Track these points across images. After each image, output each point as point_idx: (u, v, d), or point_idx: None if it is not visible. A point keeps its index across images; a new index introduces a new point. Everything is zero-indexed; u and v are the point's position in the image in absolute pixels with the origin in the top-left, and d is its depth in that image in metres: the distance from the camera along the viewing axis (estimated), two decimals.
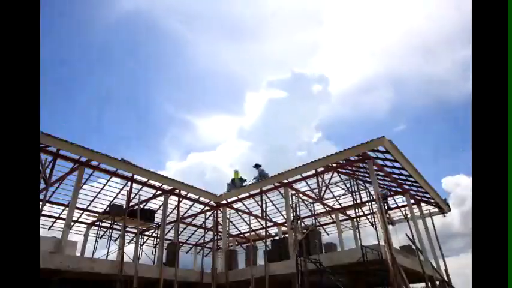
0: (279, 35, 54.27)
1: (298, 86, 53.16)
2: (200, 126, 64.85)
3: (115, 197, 14.58)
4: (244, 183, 14.20)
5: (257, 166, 14.28)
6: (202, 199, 14.84)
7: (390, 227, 12.88)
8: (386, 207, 13.83)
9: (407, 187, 13.64)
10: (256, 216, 16.45)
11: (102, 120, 61.40)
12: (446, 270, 12.88)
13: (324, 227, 18.57)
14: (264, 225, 14.83)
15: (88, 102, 60.07)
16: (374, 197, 10.31)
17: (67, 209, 12.24)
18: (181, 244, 18.39)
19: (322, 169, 12.34)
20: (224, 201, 14.73)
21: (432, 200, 14.38)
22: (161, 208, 14.22)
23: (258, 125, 58.06)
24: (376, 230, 9.44)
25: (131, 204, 12.85)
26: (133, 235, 16.86)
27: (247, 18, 56.98)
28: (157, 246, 12.53)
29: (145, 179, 12.76)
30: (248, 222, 15.38)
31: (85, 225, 16.15)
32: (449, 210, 15.08)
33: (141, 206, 12.57)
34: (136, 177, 12.45)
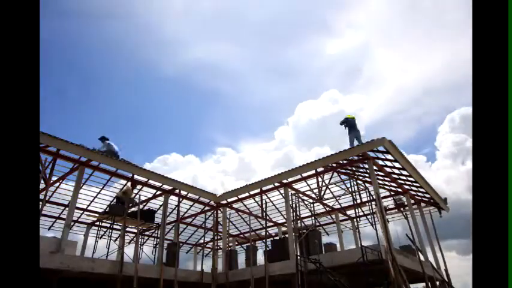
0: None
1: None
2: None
3: (115, 197, 14.57)
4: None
5: (103, 139, 12.10)
6: (202, 199, 14.83)
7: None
8: None
9: (407, 187, 13.65)
10: (256, 216, 16.44)
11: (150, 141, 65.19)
12: (446, 270, 12.88)
13: (324, 227, 18.57)
14: (264, 225, 14.83)
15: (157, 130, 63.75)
16: (374, 197, 10.31)
17: (67, 209, 12.23)
18: (181, 244, 18.40)
19: (322, 169, 12.34)
20: (224, 201, 14.73)
21: (432, 200, 14.38)
22: (161, 208, 14.22)
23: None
24: (376, 230, 9.44)
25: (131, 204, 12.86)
26: (133, 235, 16.88)
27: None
28: (157, 246, 12.52)
29: (145, 179, 12.76)
30: (248, 222, 15.37)
31: (85, 225, 16.16)
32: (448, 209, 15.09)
33: (141, 206, 12.57)
34: (136, 177, 12.45)
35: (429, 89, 51.98)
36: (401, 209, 14.89)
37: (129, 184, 12.80)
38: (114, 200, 13.00)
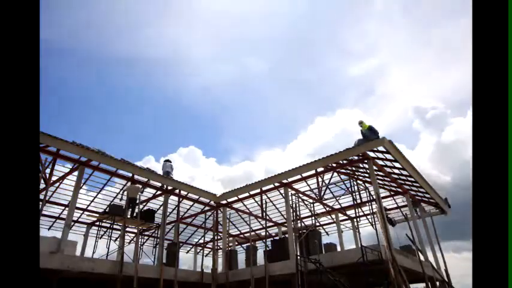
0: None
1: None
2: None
3: (115, 197, 14.58)
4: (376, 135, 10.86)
5: (166, 161, 14.13)
6: (202, 199, 14.83)
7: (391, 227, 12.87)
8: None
9: (407, 187, 13.64)
10: (256, 216, 16.44)
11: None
12: (446, 270, 12.88)
13: (324, 227, 18.57)
14: (264, 225, 14.82)
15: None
16: (374, 197, 10.31)
17: (67, 209, 12.24)
18: (181, 244, 18.40)
19: (322, 169, 12.34)
20: (224, 201, 14.73)
21: (432, 200, 14.38)
22: (161, 208, 14.22)
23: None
24: (376, 230, 9.44)
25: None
26: (133, 235, 16.88)
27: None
28: (157, 246, 12.51)
29: (145, 179, 12.76)
30: (248, 222, 15.37)
31: (85, 225, 16.16)
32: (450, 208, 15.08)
33: (141, 206, 12.57)
34: (136, 177, 12.45)
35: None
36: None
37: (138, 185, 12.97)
38: (125, 201, 13.07)
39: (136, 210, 12.36)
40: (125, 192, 12.52)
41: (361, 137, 11.09)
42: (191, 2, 56.06)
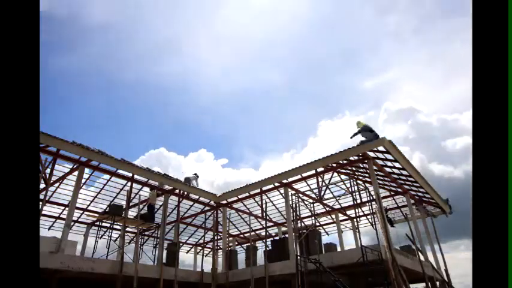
0: None
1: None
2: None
3: (115, 197, 14.59)
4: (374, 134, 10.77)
5: (195, 175, 15.10)
6: (202, 199, 14.84)
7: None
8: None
9: (407, 187, 13.65)
10: (256, 216, 16.44)
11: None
12: (446, 270, 12.88)
13: (324, 227, 18.57)
14: (264, 225, 14.83)
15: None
16: (374, 197, 10.31)
17: (67, 209, 12.24)
18: (181, 244, 18.40)
19: (322, 169, 12.34)
20: (224, 201, 14.73)
21: (432, 200, 14.38)
22: (161, 208, 14.22)
23: None
24: (376, 230, 9.44)
25: (131, 204, 12.87)
26: (133, 235, 16.88)
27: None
28: (157, 246, 12.52)
29: (145, 179, 12.76)
30: (248, 222, 15.37)
31: (85, 225, 16.16)
32: (450, 210, 15.05)
33: (141, 206, 12.57)
34: (136, 177, 12.45)
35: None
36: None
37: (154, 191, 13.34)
38: (145, 208, 13.32)
39: (144, 211, 12.54)
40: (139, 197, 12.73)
41: (362, 138, 11.13)
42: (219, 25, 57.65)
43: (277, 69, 63.92)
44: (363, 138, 10.88)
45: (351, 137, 11.33)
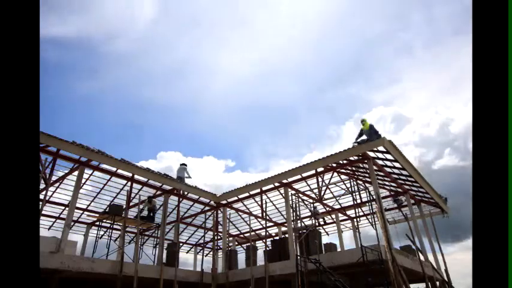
0: None
1: None
2: None
3: (115, 197, 14.58)
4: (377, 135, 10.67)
5: (183, 165, 14.44)
6: (202, 199, 14.83)
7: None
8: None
9: (407, 187, 13.64)
10: (256, 216, 16.44)
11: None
12: (446, 270, 12.88)
13: (324, 227, 18.57)
14: (264, 225, 14.82)
15: None
16: (374, 197, 10.31)
17: (67, 209, 12.24)
18: (181, 244, 18.40)
19: (322, 169, 12.34)
20: (224, 201, 14.73)
21: (432, 200, 14.38)
22: (161, 208, 14.21)
23: None
24: (376, 230, 9.44)
25: (131, 204, 12.87)
26: (133, 235, 16.87)
27: None
28: (157, 246, 12.51)
29: (145, 179, 12.76)
30: (248, 222, 15.37)
31: (85, 225, 16.16)
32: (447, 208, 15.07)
33: (141, 206, 12.57)
34: (136, 177, 12.45)
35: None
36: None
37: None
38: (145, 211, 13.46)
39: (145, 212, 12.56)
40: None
41: (363, 136, 11.14)
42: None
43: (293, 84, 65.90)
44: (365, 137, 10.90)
45: (356, 141, 11.25)
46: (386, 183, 13.75)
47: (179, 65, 62.16)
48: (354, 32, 56.38)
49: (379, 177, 12.87)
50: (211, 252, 18.61)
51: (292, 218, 11.67)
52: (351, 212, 16.72)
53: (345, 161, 11.74)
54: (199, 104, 65.69)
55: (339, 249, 13.88)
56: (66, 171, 11.75)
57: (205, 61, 60.24)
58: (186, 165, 14.58)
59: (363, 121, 11.35)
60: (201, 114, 65.96)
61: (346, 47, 59.80)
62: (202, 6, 50.96)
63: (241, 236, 19.57)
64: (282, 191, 13.64)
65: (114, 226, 12.41)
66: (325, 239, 17.73)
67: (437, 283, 11.89)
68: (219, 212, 15.01)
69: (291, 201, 11.89)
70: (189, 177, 14.29)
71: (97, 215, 14.28)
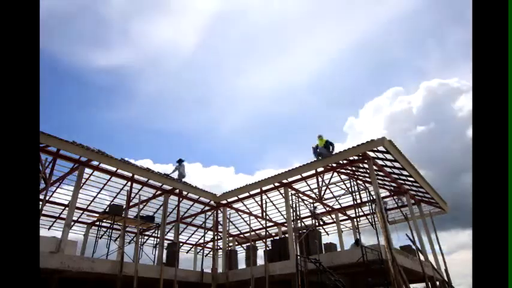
0: None
1: None
2: None
3: (115, 197, 14.58)
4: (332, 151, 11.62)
5: (180, 161, 14.00)
6: (202, 199, 14.83)
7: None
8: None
9: (407, 187, 13.64)
10: (256, 216, 16.44)
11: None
12: (446, 270, 12.87)
13: (324, 227, 18.57)
14: (264, 225, 14.82)
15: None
16: (374, 197, 10.31)
17: (67, 209, 12.23)
18: (181, 244, 18.40)
19: (322, 169, 12.34)
20: (224, 201, 14.73)
21: (432, 200, 14.38)
22: (161, 208, 14.22)
23: None
24: (376, 230, 9.44)
25: (131, 204, 12.86)
26: (133, 235, 16.87)
27: None
28: (157, 246, 12.52)
29: (145, 179, 12.75)
30: (248, 222, 15.38)
31: (85, 225, 16.16)
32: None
33: (141, 206, 12.57)
34: (136, 177, 12.45)
35: None
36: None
37: None
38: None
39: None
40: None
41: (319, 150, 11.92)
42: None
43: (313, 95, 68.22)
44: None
45: (313, 153, 12.07)
46: (387, 183, 13.75)
47: (203, 93, 65.59)
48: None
49: (379, 177, 12.87)
50: (211, 252, 18.61)
51: (292, 218, 11.67)
52: (351, 212, 16.72)
53: (344, 161, 11.75)
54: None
55: (339, 249, 13.89)
56: (66, 171, 11.75)
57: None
58: (182, 160, 14.24)
59: (320, 137, 12.13)
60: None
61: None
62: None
63: (241, 236, 19.57)
64: (282, 191, 13.64)
65: (114, 226, 12.42)
66: (325, 239, 17.76)
67: (437, 283, 11.89)
68: (219, 212, 15.01)
69: (291, 201, 11.89)
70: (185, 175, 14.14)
71: (97, 215, 14.30)
